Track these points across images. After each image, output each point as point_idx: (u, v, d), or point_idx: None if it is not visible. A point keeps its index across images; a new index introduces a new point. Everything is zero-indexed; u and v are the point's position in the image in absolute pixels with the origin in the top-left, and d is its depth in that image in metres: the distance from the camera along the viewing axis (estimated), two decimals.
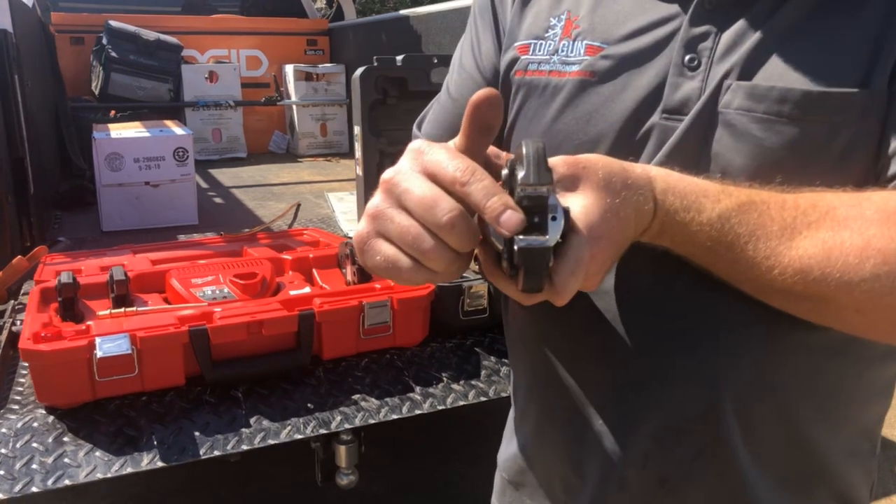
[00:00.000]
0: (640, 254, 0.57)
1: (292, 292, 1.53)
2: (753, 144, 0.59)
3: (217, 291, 1.50)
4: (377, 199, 0.50)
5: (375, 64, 1.74)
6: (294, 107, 4.17)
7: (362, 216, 0.51)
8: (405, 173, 0.49)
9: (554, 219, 0.47)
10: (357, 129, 1.79)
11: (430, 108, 0.88)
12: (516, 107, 0.73)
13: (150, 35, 3.86)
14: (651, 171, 0.55)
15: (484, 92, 0.49)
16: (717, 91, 0.60)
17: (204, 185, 3.36)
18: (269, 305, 1.37)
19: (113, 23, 3.81)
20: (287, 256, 1.71)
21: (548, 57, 0.70)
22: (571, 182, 0.51)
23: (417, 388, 1.39)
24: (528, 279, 0.46)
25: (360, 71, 1.73)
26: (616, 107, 0.65)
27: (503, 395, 1.41)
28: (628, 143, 0.64)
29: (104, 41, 3.77)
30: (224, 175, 3.55)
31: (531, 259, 0.45)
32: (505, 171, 0.49)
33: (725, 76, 0.60)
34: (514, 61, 0.73)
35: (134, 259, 1.82)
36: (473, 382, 1.43)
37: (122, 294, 1.44)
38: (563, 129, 0.67)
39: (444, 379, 1.42)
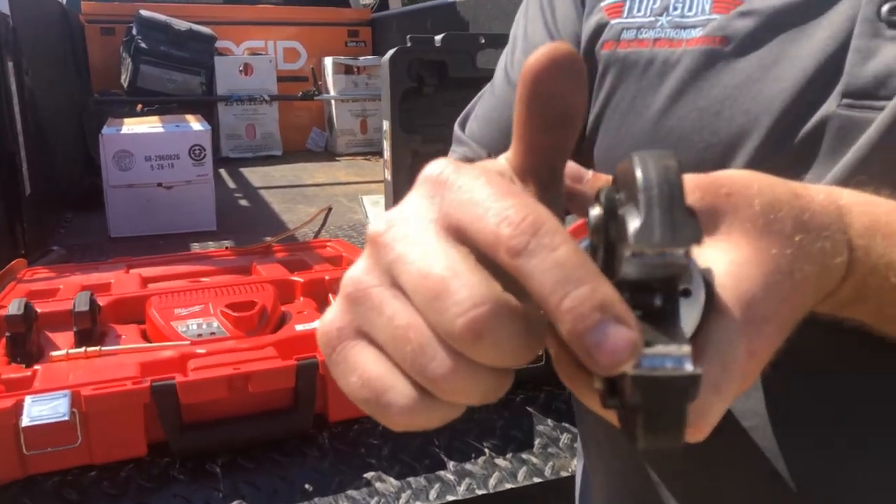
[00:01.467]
0: (812, 329, 0.36)
1: (298, 327, 1.22)
2: None
3: (204, 326, 1.20)
4: (359, 267, 0.28)
5: (409, 45, 1.41)
6: (333, 102, 3.89)
7: (338, 294, 0.29)
8: (407, 224, 0.27)
9: (686, 293, 0.27)
10: (386, 125, 1.47)
11: (480, 100, 0.68)
12: (604, 95, 0.53)
13: (181, 25, 3.64)
14: (842, 197, 0.37)
15: (547, 50, 0.28)
16: None
17: (231, 185, 3.10)
18: (261, 351, 1.06)
19: (144, 12, 3.59)
20: (298, 279, 1.40)
21: (652, 19, 0.51)
22: (709, 220, 0.33)
23: (450, 464, 1.06)
24: (649, 431, 0.25)
25: (390, 53, 1.41)
26: (764, 90, 0.45)
27: (564, 474, 1.07)
28: (785, 147, 0.45)
29: (134, 31, 3.56)
30: (255, 174, 3.29)
31: (658, 399, 0.24)
32: (596, 212, 0.27)
33: None
34: (600, 29, 0.54)
35: (124, 277, 1.54)
36: (524, 456, 1.09)
37: (86, 329, 1.16)
38: (679, 126, 0.48)
39: (486, 451, 1.09)
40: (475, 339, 0.24)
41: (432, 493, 1.01)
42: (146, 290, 1.38)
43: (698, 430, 0.29)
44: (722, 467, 0.49)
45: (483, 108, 0.67)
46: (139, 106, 3.42)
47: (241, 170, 3.41)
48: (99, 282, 1.50)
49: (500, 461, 1.08)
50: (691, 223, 0.24)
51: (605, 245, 0.27)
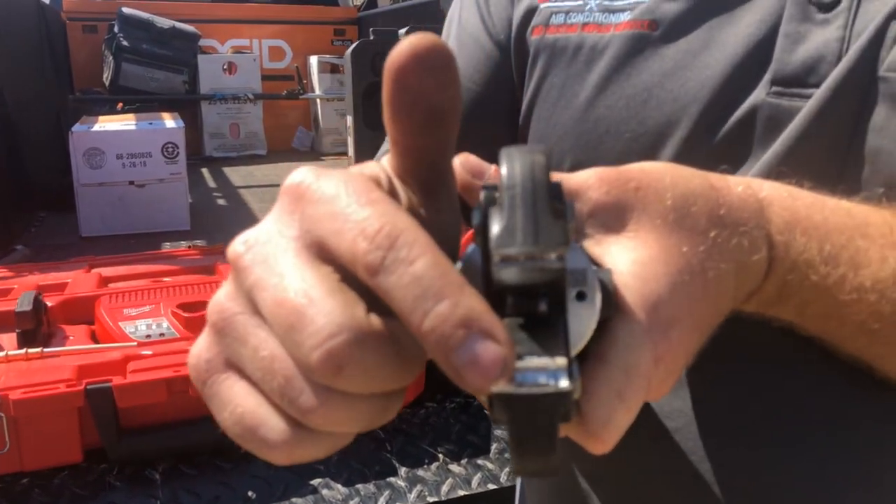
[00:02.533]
0: (740, 328, 0.35)
1: None
2: None
3: (154, 326, 1.16)
4: (223, 293, 0.25)
5: (372, 38, 1.37)
6: (318, 101, 3.85)
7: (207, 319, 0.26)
8: (266, 244, 0.25)
9: (581, 297, 0.25)
10: (349, 120, 1.43)
11: None
12: (534, 83, 0.51)
13: (164, 23, 3.60)
14: (762, 190, 0.35)
15: (407, 45, 0.24)
16: (874, 43, 0.40)
17: (211, 184, 3.07)
18: None
19: (126, 9, 3.56)
20: None
21: (581, 2, 0.49)
22: (615, 216, 0.30)
23: (402, 470, 1.02)
24: (520, 454, 0.23)
25: (352, 47, 1.37)
26: (692, 78, 0.44)
27: (520, 480, 1.03)
28: (715, 138, 0.43)
29: (116, 29, 3.52)
30: (236, 174, 3.25)
31: (525, 419, 0.22)
32: (476, 217, 0.24)
33: (892, 17, 0.39)
34: (530, 13, 0.52)
35: (82, 277, 1.50)
36: (480, 462, 1.05)
37: (29, 329, 1.12)
38: (606, 116, 0.46)
39: (440, 456, 1.05)
40: (335, 371, 0.22)
41: (381, 501, 0.97)
42: (97, 290, 1.34)
43: (602, 441, 0.27)
44: (647, 470, 0.47)
45: None
46: (120, 104, 3.38)
47: (224, 169, 3.37)
48: (55, 281, 1.46)
49: (454, 467, 1.04)
50: (557, 226, 0.22)
51: (484, 249, 0.24)
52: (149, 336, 1.15)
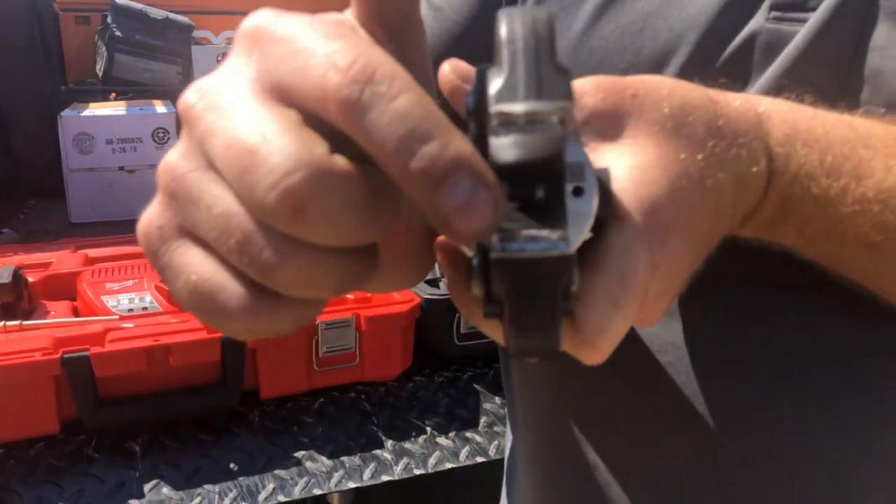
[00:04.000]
0: (736, 255, 0.35)
1: None
2: None
3: (136, 300, 1.14)
4: (174, 152, 0.23)
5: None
6: None
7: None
8: (220, 91, 0.22)
9: (578, 192, 0.24)
10: None
11: None
12: None
13: (158, 13, 3.57)
14: (761, 104, 0.33)
15: None
16: None
17: None
18: (186, 323, 1.00)
19: (119, 0, 3.52)
20: None
21: None
22: (612, 123, 0.29)
23: (388, 443, 1.00)
24: (520, 330, 0.22)
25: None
26: (689, 5, 0.42)
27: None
28: (713, 66, 0.41)
29: (109, 19, 3.49)
30: None
31: (526, 287, 0.21)
32: (468, 92, 0.23)
33: None
34: None
35: (67, 257, 1.47)
36: (468, 435, 1.03)
37: (8, 302, 1.09)
38: (601, 46, 0.45)
39: (428, 429, 1.03)
40: (295, 214, 0.20)
41: (366, 473, 0.95)
42: (80, 266, 1.31)
43: (597, 349, 0.26)
44: (640, 410, 0.46)
45: None
46: (112, 95, 3.36)
47: None
48: (40, 261, 1.44)
49: (441, 440, 1.01)
50: (561, 80, 0.21)
51: (479, 132, 0.23)
52: (131, 310, 1.12)
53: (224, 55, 3.57)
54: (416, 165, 0.19)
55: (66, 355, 0.91)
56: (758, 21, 0.40)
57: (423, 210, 0.20)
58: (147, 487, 0.89)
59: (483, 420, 1.06)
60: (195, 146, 0.22)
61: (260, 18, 0.23)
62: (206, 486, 0.90)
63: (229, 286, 0.22)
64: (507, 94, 0.21)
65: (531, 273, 0.21)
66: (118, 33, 3.47)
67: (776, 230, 0.35)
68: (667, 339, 0.44)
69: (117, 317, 1.09)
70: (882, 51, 0.37)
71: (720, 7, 0.40)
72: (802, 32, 0.39)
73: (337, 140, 0.20)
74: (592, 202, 0.24)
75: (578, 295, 0.25)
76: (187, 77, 3.66)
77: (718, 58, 0.41)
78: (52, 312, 1.15)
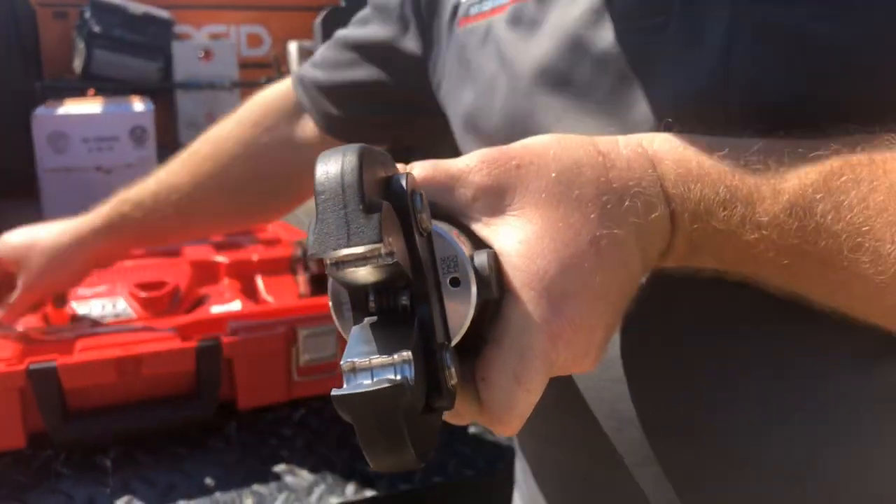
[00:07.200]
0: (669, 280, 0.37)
1: (216, 308, 1.11)
2: (801, 51, 0.35)
3: (108, 307, 1.09)
4: None
5: (343, 4, 1.31)
6: None
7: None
8: None
9: (455, 283, 0.27)
10: None
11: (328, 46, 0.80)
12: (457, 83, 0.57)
13: (137, 8, 3.50)
14: (652, 145, 0.34)
15: None
16: None
17: None
18: (160, 331, 0.95)
19: None
20: (221, 259, 1.29)
21: None
22: (499, 197, 0.31)
23: None
24: (373, 454, 0.25)
25: (322, 14, 1.31)
26: (543, 37, 0.45)
27: (499, 466, 0.97)
28: (573, 78, 0.44)
29: (87, 14, 3.42)
30: None
31: (367, 419, 0.24)
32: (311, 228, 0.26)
33: None
34: (455, 7, 0.55)
35: None
36: (457, 447, 0.99)
37: None
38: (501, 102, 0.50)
39: None
40: None
41: (349, 490, 0.91)
42: None
43: (505, 424, 0.28)
44: (592, 424, 0.47)
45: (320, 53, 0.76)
46: (91, 91, 3.28)
47: None
48: None
49: None
50: (369, 223, 0.23)
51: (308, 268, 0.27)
52: (103, 317, 1.08)
53: (206, 51, 3.47)
54: None
55: (32, 366, 0.86)
56: (607, 36, 0.42)
57: None
58: (117, 503, 0.85)
59: (472, 431, 1.02)
60: None
61: None
62: (180, 503, 0.86)
63: None
64: (317, 246, 0.23)
65: (368, 407, 0.23)
66: (96, 29, 3.40)
67: (695, 259, 0.35)
68: (611, 354, 0.44)
69: (88, 324, 1.05)
70: (741, 59, 0.37)
71: (568, 29, 0.44)
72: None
73: None
74: (471, 290, 0.26)
75: (481, 373, 0.27)
76: (168, 73, 3.60)
77: (576, 71, 0.44)
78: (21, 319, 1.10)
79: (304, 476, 0.92)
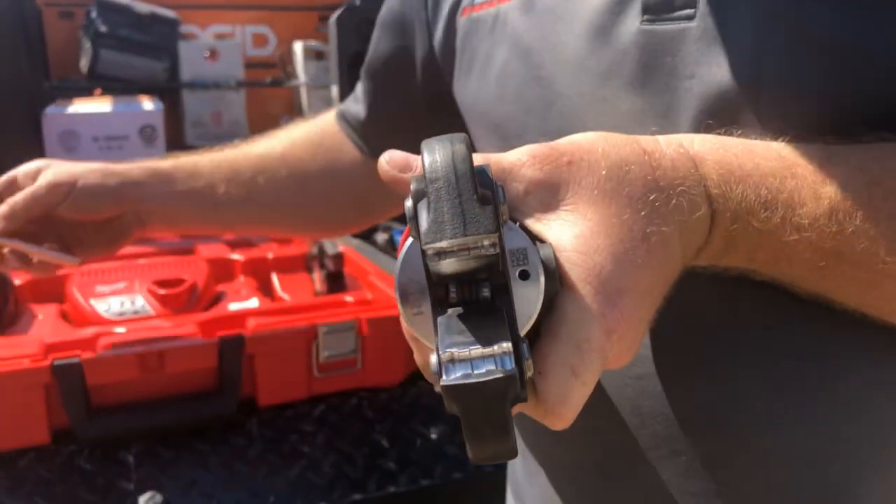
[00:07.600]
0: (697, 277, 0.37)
1: (234, 305, 1.12)
2: (836, 54, 0.35)
3: (128, 304, 1.10)
4: None
5: (358, 3, 1.32)
6: (303, 89, 3.77)
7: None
8: None
9: (525, 276, 0.27)
10: (334, 90, 1.37)
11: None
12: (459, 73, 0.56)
13: (143, 8, 3.50)
14: (693, 146, 0.34)
15: None
16: None
17: None
18: (182, 328, 0.96)
19: None
20: (237, 256, 1.30)
21: None
22: (552, 192, 0.31)
23: (392, 453, 0.96)
24: (477, 442, 0.25)
25: (337, 13, 1.32)
26: (561, 24, 0.45)
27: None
28: (596, 70, 0.44)
29: (93, 14, 3.42)
30: None
31: (476, 408, 0.24)
32: (408, 205, 0.26)
33: None
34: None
35: None
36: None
37: None
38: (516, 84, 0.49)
39: (433, 437, 1.00)
40: None
41: (371, 485, 0.92)
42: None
43: (560, 417, 0.28)
44: (613, 417, 0.47)
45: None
46: (98, 91, 3.29)
47: None
48: None
49: (448, 449, 0.98)
50: (485, 213, 0.24)
51: (421, 248, 0.26)
52: (122, 314, 1.08)
53: (211, 50, 3.48)
54: None
55: (56, 362, 0.86)
56: (631, 25, 0.42)
57: None
58: (141, 500, 0.85)
59: None
60: None
61: None
62: (202, 498, 0.86)
63: None
64: (432, 235, 0.23)
65: (478, 396, 0.23)
66: (103, 28, 3.39)
67: (727, 259, 0.36)
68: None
69: (108, 321, 1.06)
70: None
71: (588, 20, 0.44)
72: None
73: None
74: (539, 283, 0.27)
75: (537, 365, 0.27)
76: (174, 73, 3.60)
77: (602, 63, 0.43)
78: (40, 317, 1.11)
79: (325, 472, 0.92)
